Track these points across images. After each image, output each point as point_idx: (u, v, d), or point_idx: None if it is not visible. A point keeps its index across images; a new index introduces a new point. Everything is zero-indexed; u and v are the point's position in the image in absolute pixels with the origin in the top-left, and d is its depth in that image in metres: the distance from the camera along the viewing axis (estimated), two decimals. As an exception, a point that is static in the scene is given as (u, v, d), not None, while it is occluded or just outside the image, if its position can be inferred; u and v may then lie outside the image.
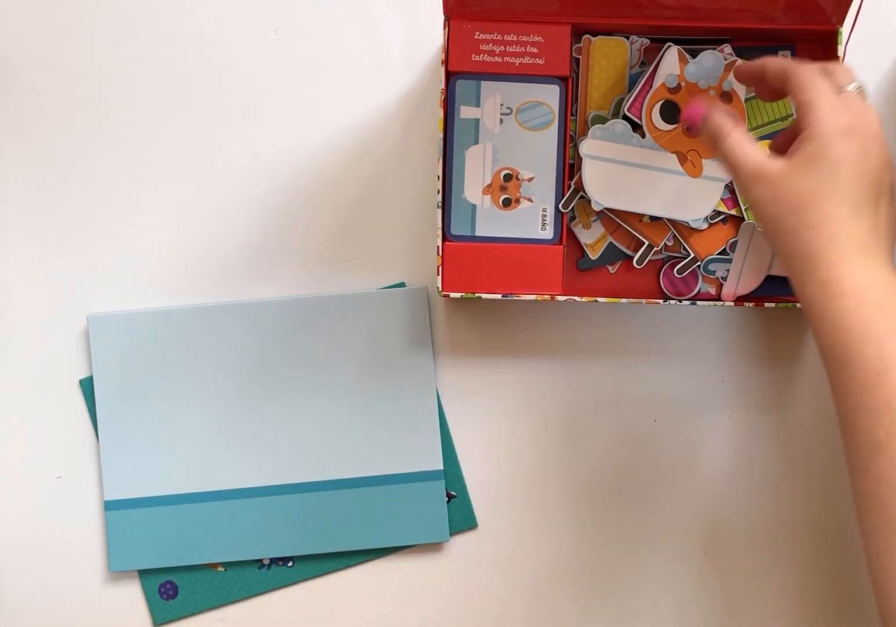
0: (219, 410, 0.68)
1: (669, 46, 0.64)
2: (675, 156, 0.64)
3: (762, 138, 0.65)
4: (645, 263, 0.66)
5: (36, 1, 0.70)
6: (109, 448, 0.68)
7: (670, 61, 0.64)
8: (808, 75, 0.53)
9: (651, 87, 0.64)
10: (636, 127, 0.64)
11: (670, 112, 0.64)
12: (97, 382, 0.68)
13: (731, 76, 0.63)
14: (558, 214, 0.65)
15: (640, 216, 0.65)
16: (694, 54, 0.64)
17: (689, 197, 0.64)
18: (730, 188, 0.65)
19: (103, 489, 0.68)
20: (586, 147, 0.64)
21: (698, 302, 0.64)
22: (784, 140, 0.57)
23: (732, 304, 0.64)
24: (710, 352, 0.70)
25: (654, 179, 0.64)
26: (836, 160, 0.51)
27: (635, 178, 0.64)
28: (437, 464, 0.69)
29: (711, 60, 0.64)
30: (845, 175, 0.51)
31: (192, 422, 0.68)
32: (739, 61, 0.62)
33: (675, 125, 0.64)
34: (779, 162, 0.52)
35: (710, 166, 0.64)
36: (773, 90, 0.57)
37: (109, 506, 0.68)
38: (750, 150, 0.54)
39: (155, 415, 0.68)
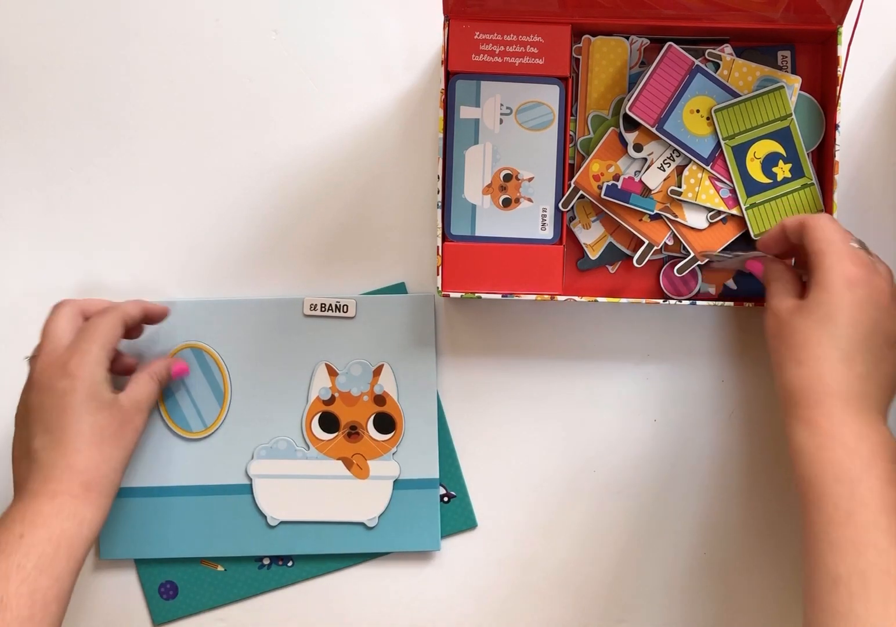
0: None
1: (670, 43, 0.64)
2: (340, 462, 0.68)
3: (763, 137, 0.65)
4: (644, 262, 0.66)
5: (36, 1, 0.70)
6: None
7: (321, 376, 0.68)
8: (823, 226, 0.56)
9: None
10: (630, 140, 0.65)
11: (329, 422, 0.68)
12: None
13: (380, 380, 0.67)
14: (558, 214, 0.65)
15: (639, 215, 0.65)
16: (694, 54, 0.64)
17: (360, 497, 0.68)
18: (730, 188, 0.65)
19: None
20: (254, 468, 0.68)
21: (698, 302, 0.64)
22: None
23: (732, 304, 0.64)
24: (710, 352, 0.70)
25: (325, 486, 0.68)
26: (836, 307, 0.54)
27: (307, 488, 0.68)
28: (434, 472, 0.68)
29: (359, 370, 0.67)
30: (841, 322, 0.54)
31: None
32: (762, 237, 0.61)
33: (335, 434, 0.68)
34: (790, 302, 0.57)
35: (377, 467, 0.68)
36: (793, 246, 0.59)
37: None
38: (779, 291, 0.58)
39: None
